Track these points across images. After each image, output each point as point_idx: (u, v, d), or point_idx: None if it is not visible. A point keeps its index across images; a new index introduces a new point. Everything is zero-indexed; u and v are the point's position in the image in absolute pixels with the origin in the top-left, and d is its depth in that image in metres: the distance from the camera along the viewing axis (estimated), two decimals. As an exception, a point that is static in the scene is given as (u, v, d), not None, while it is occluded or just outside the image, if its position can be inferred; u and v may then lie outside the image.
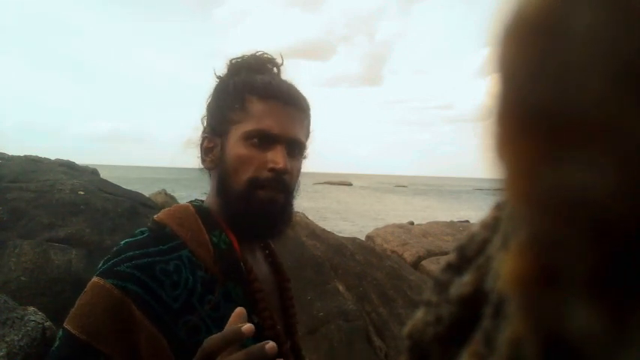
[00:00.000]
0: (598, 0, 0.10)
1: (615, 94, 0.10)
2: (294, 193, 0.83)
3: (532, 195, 0.12)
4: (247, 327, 0.57)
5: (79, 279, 2.38)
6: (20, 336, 1.34)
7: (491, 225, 0.20)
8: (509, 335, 0.14)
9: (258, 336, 0.74)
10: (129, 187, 3.94)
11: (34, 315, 1.47)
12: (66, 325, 0.63)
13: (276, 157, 0.75)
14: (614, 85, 0.10)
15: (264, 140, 0.76)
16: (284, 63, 0.86)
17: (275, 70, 0.86)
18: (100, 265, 0.68)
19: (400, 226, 7.26)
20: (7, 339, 1.31)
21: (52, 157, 4.07)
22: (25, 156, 3.83)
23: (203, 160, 0.82)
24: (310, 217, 4.62)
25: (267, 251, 0.89)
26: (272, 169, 0.75)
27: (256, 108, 0.77)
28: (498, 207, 0.20)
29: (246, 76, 0.81)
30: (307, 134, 0.85)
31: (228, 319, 0.70)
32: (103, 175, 4.40)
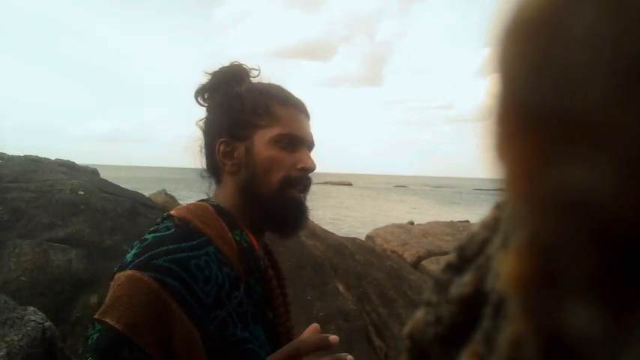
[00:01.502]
0: (598, 0, 0.10)
1: (615, 94, 0.10)
2: None
3: (532, 195, 0.12)
4: (333, 338, 0.70)
5: (79, 279, 2.38)
6: (20, 336, 1.34)
7: (491, 225, 0.20)
8: (509, 335, 0.14)
9: (272, 332, 0.77)
10: (128, 187, 3.94)
11: (34, 315, 1.47)
12: (101, 317, 0.64)
13: (305, 158, 0.83)
14: (614, 85, 0.10)
15: (292, 143, 0.82)
16: (260, 72, 0.91)
17: (256, 78, 0.91)
18: (129, 258, 0.68)
19: (400, 226, 7.26)
20: (7, 339, 1.31)
21: (52, 157, 4.06)
22: (25, 156, 3.83)
23: (222, 164, 0.83)
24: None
25: (268, 254, 0.93)
26: (302, 169, 0.82)
27: (281, 113, 0.83)
28: (498, 207, 0.20)
29: (256, 83, 0.87)
30: None
31: (250, 314, 0.73)
32: (103, 175, 4.40)
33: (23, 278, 2.24)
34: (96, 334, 0.63)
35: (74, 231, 2.67)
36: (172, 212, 0.78)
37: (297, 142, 0.83)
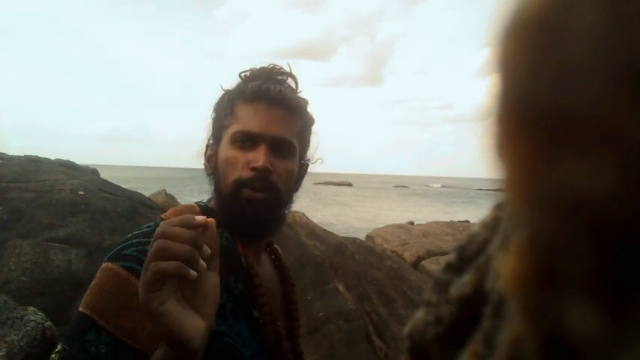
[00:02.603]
0: (598, 0, 0.10)
1: (615, 94, 0.10)
2: (289, 194, 0.83)
3: (532, 195, 0.12)
4: (200, 218, 0.57)
5: (79, 279, 2.38)
6: (20, 336, 1.34)
7: (492, 225, 0.21)
8: (509, 335, 0.14)
9: (258, 331, 0.76)
10: (128, 187, 3.94)
11: (34, 315, 1.47)
12: (79, 307, 0.66)
13: (257, 156, 0.77)
14: (613, 85, 0.10)
15: (247, 141, 0.78)
16: (292, 71, 0.88)
17: (284, 79, 0.87)
18: (107, 254, 0.71)
19: (400, 226, 7.26)
20: (7, 339, 1.31)
21: (52, 157, 4.06)
22: (25, 156, 3.83)
23: (205, 167, 0.86)
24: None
25: (273, 256, 0.93)
26: (253, 168, 0.77)
27: (242, 110, 0.80)
28: (498, 207, 0.20)
29: (241, 83, 0.85)
30: (302, 136, 0.86)
31: (228, 310, 0.72)
32: (103, 175, 4.40)
33: (23, 278, 2.24)
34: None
35: (74, 231, 2.67)
36: (163, 214, 0.79)
37: (252, 139, 0.78)
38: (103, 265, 0.68)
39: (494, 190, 0.15)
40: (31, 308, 1.51)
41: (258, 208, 0.78)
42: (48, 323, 1.48)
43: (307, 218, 4.49)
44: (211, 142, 0.85)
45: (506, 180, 0.13)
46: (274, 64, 0.87)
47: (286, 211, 0.85)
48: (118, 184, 3.84)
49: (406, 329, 0.23)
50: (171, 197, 4.74)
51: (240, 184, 0.77)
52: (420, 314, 0.22)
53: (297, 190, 0.88)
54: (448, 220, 8.54)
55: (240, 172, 0.78)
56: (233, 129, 0.79)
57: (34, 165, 3.58)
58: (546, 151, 0.11)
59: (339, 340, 2.93)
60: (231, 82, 0.87)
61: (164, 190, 4.81)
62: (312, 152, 0.92)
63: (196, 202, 0.84)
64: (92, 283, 0.67)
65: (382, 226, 7.45)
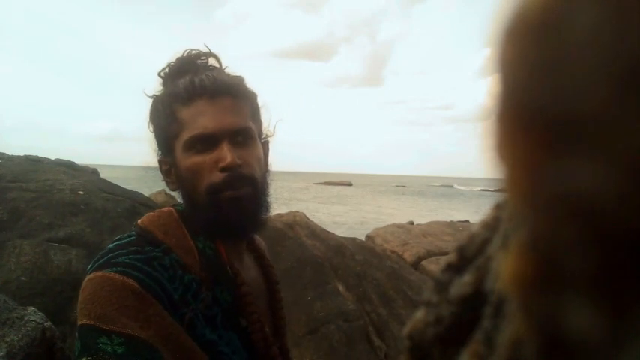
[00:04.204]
0: (599, 0, 0.10)
1: (616, 94, 0.10)
2: (264, 179, 0.80)
3: (532, 195, 0.12)
4: None
5: (79, 279, 2.38)
6: (20, 336, 1.34)
7: (491, 225, 0.21)
8: (509, 335, 0.14)
9: (247, 339, 0.74)
10: (128, 187, 3.94)
11: (34, 315, 1.47)
12: (78, 323, 0.63)
13: (222, 155, 0.72)
14: (614, 85, 0.10)
15: (205, 143, 0.73)
16: (212, 51, 0.82)
17: (204, 61, 0.81)
18: (90, 267, 0.67)
19: (400, 226, 7.26)
20: (7, 339, 1.31)
21: (52, 157, 4.06)
22: (25, 156, 3.83)
23: (167, 183, 0.80)
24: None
25: (255, 254, 0.89)
26: (222, 169, 0.72)
27: (184, 114, 0.74)
28: (498, 207, 0.20)
29: (170, 85, 0.78)
30: (254, 116, 0.81)
31: (219, 319, 0.70)
32: (103, 175, 4.40)
33: (23, 278, 2.23)
34: (77, 341, 0.62)
35: (74, 231, 2.67)
36: (139, 221, 0.75)
37: (210, 139, 0.73)
38: (91, 275, 0.64)
39: (495, 190, 0.15)
40: (31, 308, 1.51)
41: (242, 205, 0.74)
42: (48, 323, 1.48)
43: (307, 218, 4.49)
44: (161, 156, 0.79)
45: (507, 180, 0.13)
46: (189, 49, 0.81)
47: (268, 198, 0.81)
48: (118, 184, 3.84)
49: (406, 329, 0.23)
50: (172, 197, 4.73)
51: (214, 189, 0.73)
52: (420, 314, 0.22)
53: (268, 171, 0.83)
54: (448, 220, 8.54)
55: (210, 177, 0.73)
56: (184, 136, 0.73)
57: (34, 165, 3.58)
58: (546, 151, 0.11)
59: (339, 340, 2.93)
60: (154, 85, 0.81)
61: (164, 190, 4.81)
62: (267, 127, 0.86)
63: (173, 206, 0.79)
64: (83, 296, 0.63)
65: (383, 225, 7.44)
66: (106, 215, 2.92)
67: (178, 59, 0.80)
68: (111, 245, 0.70)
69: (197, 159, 0.73)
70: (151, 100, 0.81)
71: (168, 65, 0.80)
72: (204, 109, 0.73)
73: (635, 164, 0.10)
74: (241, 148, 0.75)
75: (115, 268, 0.63)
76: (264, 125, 0.85)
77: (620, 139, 0.10)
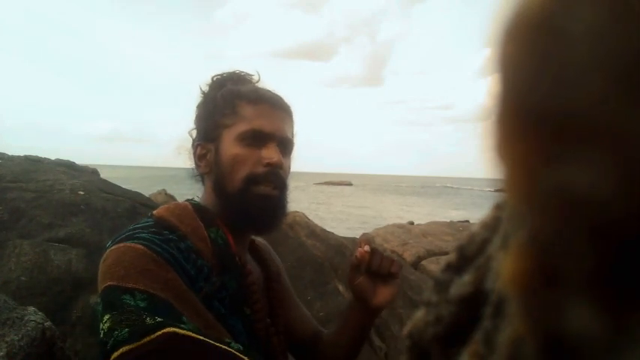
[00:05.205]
0: (598, 0, 0.10)
1: (615, 94, 0.10)
2: (288, 190, 0.87)
3: (532, 195, 0.12)
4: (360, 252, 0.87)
5: (79, 279, 2.38)
6: (20, 336, 1.34)
7: (492, 225, 0.21)
8: (509, 335, 0.14)
9: (250, 327, 0.78)
10: (128, 187, 3.94)
11: (34, 315, 1.47)
12: (100, 287, 0.64)
13: (271, 153, 0.80)
14: (614, 85, 0.10)
15: (257, 139, 0.81)
16: (260, 79, 0.92)
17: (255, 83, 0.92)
18: (110, 243, 0.70)
19: (400, 226, 7.26)
20: (7, 339, 1.31)
21: (52, 157, 4.06)
22: (25, 156, 3.83)
23: (198, 166, 0.87)
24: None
25: (255, 252, 0.94)
26: (268, 164, 0.80)
27: (247, 111, 0.82)
28: (498, 207, 0.20)
29: (232, 86, 0.87)
30: (293, 136, 0.90)
31: (227, 303, 0.74)
32: (103, 175, 4.40)
33: (23, 278, 2.23)
34: (99, 304, 0.63)
35: (74, 231, 2.67)
36: (154, 212, 0.79)
37: (263, 137, 0.81)
38: (114, 246, 0.67)
39: (495, 190, 0.15)
40: (31, 308, 1.51)
41: (274, 204, 0.81)
42: (48, 323, 1.48)
43: (307, 218, 4.49)
44: (201, 141, 0.86)
45: (507, 180, 0.13)
46: (241, 70, 0.92)
47: (287, 206, 0.87)
48: (118, 184, 3.84)
49: (406, 329, 0.23)
50: (171, 197, 4.73)
51: (252, 180, 0.79)
52: (420, 314, 0.22)
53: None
54: (448, 220, 8.53)
55: (252, 168, 0.80)
56: (240, 128, 0.81)
57: (34, 165, 3.58)
58: (546, 151, 0.11)
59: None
60: (208, 83, 0.91)
61: (164, 190, 4.81)
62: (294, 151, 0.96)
63: (188, 200, 0.84)
64: (105, 264, 0.66)
65: (384, 224, 7.44)
66: (106, 215, 2.92)
67: (234, 72, 0.91)
68: (130, 227, 0.74)
69: (245, 151, 0.80)
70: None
71: (222, 74, 0.90)
72: (265, 112, 0.82)
73: (634, 164, 0.10)
74: (283, 155, 0.84)
75: (136, 240, 0.67)
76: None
77: (619, 139, 0.10)
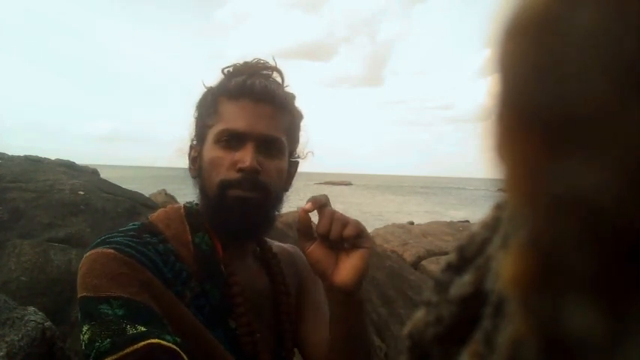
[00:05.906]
0: (598, 0, 0.10)
1: (616, 94, 0.10)
2: (279, 194, 0.80)
3: (532, 195, 0.12)
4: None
5: (79, 279, 2.38)
6: (20, 336, 1.34)
7: (491, 225, 0.20)
8: (510, 335, 0.14)
9: (235, 342, 0.73)
10: (128, 187, 3.93)
11: (34, 315, 1.47)
12: (79, 295, 0.65)
13: (244, 156, 0.73)
14: (615, 84, 0.10)
15: (233, 140, 0.74)
16: (279, 67, 0.84)
17: (269, 73, 0.83)
18: (87, 249, 0.69)
19: (400, 226, 7.26)
20: (7, 339, 1.30)
21: (52, 157, 4.06)
22: (25, 156, 3.83)
23: (190, 169, 0.83)
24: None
25: (266, 263, 0.87)
26: (240, 169, 0.73)
27: (226, 108, 0.76)
28: (498, 207, 0.20)
29: (224, 80, 0.80)
30: (291, 132, 0.82)
31: (206, 311, 0.71)
32: (103, 175, 4.40)
33: (23, 278, 2.23)
34: (79, 314, 0.63)
35: (74, 231, 2.67)
36: (150, 215, 0.78)
37: (239, 137, 0.74)
38: (88, 252, 0.66)
39: (496, 190, 0.15)
40: (31, 308, 1.51)
41: (248, 208, 0.74)
42: (48, 323, 1.48)
43: (307, 218, 4.48)
44: (195, 142, 0.82)
45: (507, 180, 0.13)
46: (259, 59, 0.83)
47: (277, 213, 0.81)
48: (118, 184, 3.84)
49: (406, 329, 0.23)
50: (172, 197, 4.73)
51: (226, 185, 0.74)
52: (420, 314, 0.22)
53: (287, 190, 0.84)
54: (448, 220, 8.54)
55: (226, 173, 0.74)
56: (217, 128, 0.75)
57: (34, 165, 3.57)
58: (547, 150, 0.11)
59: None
60: (215, 79, 0.83)
61: (164, 190, 4.81)
62: (302, 149, 0.87)
63: (185, 203, 0.82)
64: (80, 273, 0.65)
65: (384, 224, 7.45)
66: (106, 215, 2.92)
67: (245, 62, 0.82)
68: (113, 231, 0.73)
69: (220, 153, 0.75)
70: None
71: (234, 65, 0.82)
72: (243, 109, 0.75)
73: (634, 164, 0.10)
74: (265, 156, 0.76)
75: (108, 245, 0.66)
76: (300, 146, 0.87)
77: (620, 139, 0.10)
